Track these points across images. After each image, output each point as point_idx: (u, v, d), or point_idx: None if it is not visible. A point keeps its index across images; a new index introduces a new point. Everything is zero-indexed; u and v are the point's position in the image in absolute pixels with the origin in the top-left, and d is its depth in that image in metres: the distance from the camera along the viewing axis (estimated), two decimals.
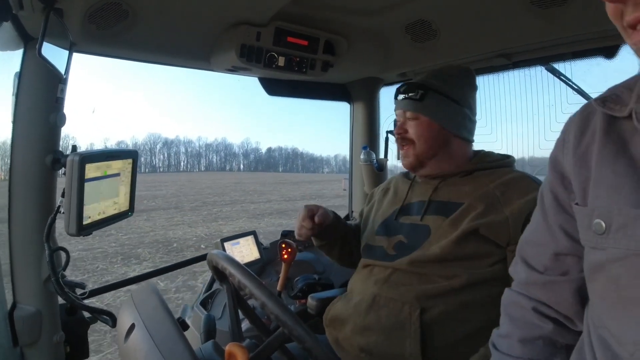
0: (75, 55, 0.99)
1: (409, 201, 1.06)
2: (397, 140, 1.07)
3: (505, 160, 1.02)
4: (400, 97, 1.04)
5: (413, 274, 0.91)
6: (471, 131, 1.05)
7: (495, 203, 0.90)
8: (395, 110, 1.08)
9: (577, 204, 0.49)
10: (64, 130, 1.03)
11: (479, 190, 0.93)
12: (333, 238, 1.16)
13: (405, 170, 1.13)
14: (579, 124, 0.51)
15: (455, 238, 0.88)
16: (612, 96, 0.47)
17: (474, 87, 1.06)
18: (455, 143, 1.02)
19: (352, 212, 1.90)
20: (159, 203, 13.92)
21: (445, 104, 1.00)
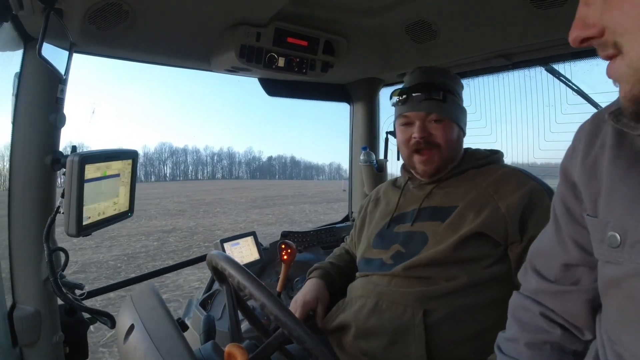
0: (78, 57, 1.00)
1: (401, 210, 1.04)
2: (413, 145, 0.98)
3: (493, 156, 1.03)
4: (417, 97, 0.97)
5: (412, 278, 0.90)
6: None
7: (490, 201, 0.90)
8: (406, 112, 0.99)
9: (588, 214, 0.48)
10: (75, 137, 1.03)
11: (473, 191, 0.94)
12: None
13: (392, 177, 1.11)
14: (589, 133, 0.49)
15: (453, 243, 0.88)
16: None
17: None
18: (463, 142, 1.04)
19: (352, 212, 1.90)
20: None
21: (458, 105, 1.02)
